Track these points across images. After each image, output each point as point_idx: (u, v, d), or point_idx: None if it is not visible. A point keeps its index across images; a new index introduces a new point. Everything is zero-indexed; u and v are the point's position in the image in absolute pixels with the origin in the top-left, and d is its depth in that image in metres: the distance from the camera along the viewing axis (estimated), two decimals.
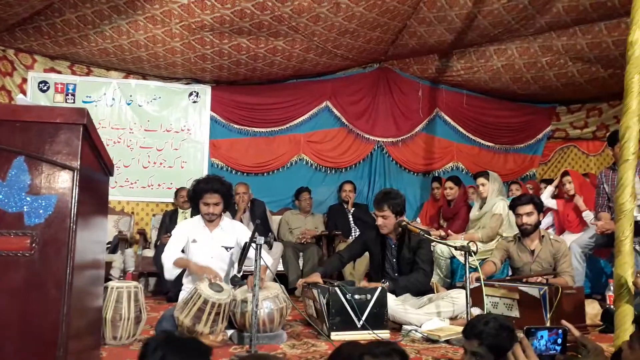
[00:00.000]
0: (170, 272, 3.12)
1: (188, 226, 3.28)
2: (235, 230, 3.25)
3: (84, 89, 5.55)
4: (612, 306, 2.73)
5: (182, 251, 3.21)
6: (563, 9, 4.74)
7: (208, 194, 3.15)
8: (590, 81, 6.02)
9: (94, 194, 1.89)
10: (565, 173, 5.05)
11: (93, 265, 1.90)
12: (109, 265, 4.62)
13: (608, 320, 3.07)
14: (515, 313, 3.23)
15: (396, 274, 3.56)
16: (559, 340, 1.84)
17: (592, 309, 3.42)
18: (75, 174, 1.56)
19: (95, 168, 1.92)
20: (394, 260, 3.59)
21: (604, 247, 4.19)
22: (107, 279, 4.27)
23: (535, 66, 5.77)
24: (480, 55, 5.80)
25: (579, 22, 5.00)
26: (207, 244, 3.17)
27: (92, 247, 1.84)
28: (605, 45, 5.23)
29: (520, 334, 1.68)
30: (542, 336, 1.80)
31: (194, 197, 3.23)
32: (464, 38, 5.35)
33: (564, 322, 1.89)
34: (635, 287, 2.18)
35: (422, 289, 3.49)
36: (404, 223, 3.45)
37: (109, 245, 4.98)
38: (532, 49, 5.50)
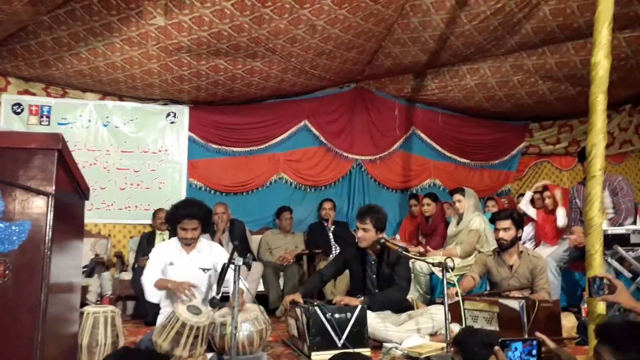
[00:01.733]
0: (152, 295, 3.08)
1: (164, 249, 3.25)
2: (212, 252, 3.24)
3: (59, 111, 5.49)
4: (587, 319, 2.79)
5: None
6: (532, 30, 4.90)
7: (186, 220, 3.13)
8: (560, 99, 6.21)
9: (69, 219, 1.88)
10: (546, 188, 5.17)
11: (68, 291, 1.87)
12: (85, 289, 4.54)
13: (583, 332, 3.13)
14: (495, 326, 3.27)
15: (376, 290, 3.58)
16: (534, 352, 1.88)
17: (568, 321, 3.48)
18: (49, 199, 1.56)
19: (71, 192, 1.91)
20: (374, 276, 3.61)
21: (578, 261, 4.29)
22: (84, 303, 4.18)
23: (507, 85, 5.93)
24: (453, 75, 5.93)
25: (547, 42, 5.17)
26: (184, 267, 3.14)
27: (67, 272, 1.82)
28: (573, 64, 5.41)
29: (496, 347, 1.72)
30: (516, 348, 1.84)
31: (171, 221, 3.21)
32: (437, 58, 5.48)
33: (538, 333, 1.93)
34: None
35: (398, 305, 3.51)
36: (383, 240, 3.48)
37: (85, 269, 4.89)
38: (503, 68, 5.66)
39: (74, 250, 1.98)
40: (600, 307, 2.32)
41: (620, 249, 3.60)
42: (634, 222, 4.24)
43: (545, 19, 4.69)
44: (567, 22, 4.71)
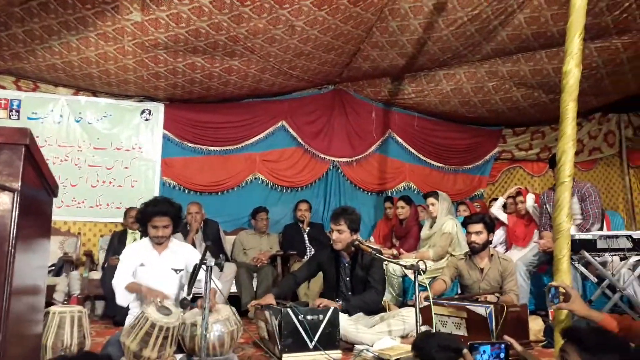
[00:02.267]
0: (123, 298, 3.02)
1: (136, 249, 3.19)
2: (184, 253, 3.19)
3: (30, 105, 5.36)
4: (553, 322, 2.85)
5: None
6: (507, 37, 4.99)
7: (157, 217, 3.08)
8: (533, 105, 6.34)
9: (36, 216, 1.83)
10: (519, 193, 5.27)
11: (33, 290, 1.82)
12: (52, 288, 4.43)
13: (550, 335, 3.20)
14: (463, 331, 3.31)
15: (350, 293, 3.59)
16: (502, 355, 1.92)
17: (536, 324, 3.54)
18: (15, 195, 1.51)
19: (38, 189, 1.86)
20: (348, 279, 3.62)
21: (547, 265, 4.38)
22: (50, 303, 4.09)
23: (482, 90, 6.03)
24: (430, 80, 6.00)
25: (521, 50, 5.28)
26: (156, 267, 3.09)
27: (32, 271, 1.77)
28: (546, 72, 5.54)
29: (465, 350, 1.74)
30: (484, 351, 1.88)
31: (142, 219, 3.16)
32: (415, 62, 5.54)
33: (506, 337, 1.97)
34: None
35: (374, 308, 3.53)
36: (357, 242, 3.49)
37: (52, 268, 4.77)
38: (479, 74, 5.75)
39: (40, 249, 1.93)
40: (566, 312, 2.37)
41: (587, 254, 3.69)
42: (601, 228, 4.36)
43: (520, 27, 4.78)
44: (541, 31, 4.81)
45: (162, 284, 3.03)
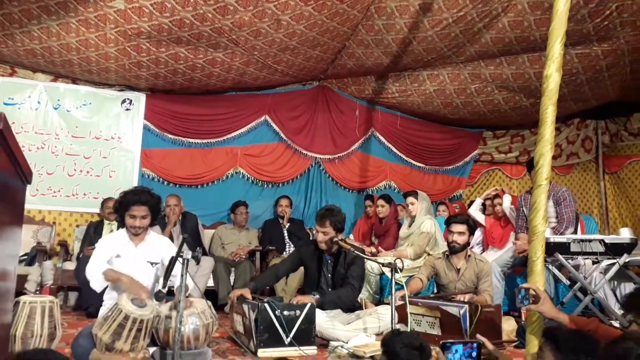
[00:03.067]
0: (98, 282, 2.91)
1: (112, 240, 3.12)
2: (161, 246, 3.13)
3: (6, 90, 5.23)
4: (526, 323, 2.90)
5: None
6: (491, 40, 5.04)
7: (135, 206, 3.02)
8: (514, 109, 6.43)
9: (7, 203, 1.78)
10: (497, 195, 5.33)
11: (2, 279, 1.78)
12: (24, 278, 4.33)
13: (522, 336, 3.24)
14: (437, 330, 3.34)
15: (330, 289, 3.60)
16: (474, 354, 1.95)
17: (509, 325, 3.59)
18: None
19: (11, 175, 1.82)
20: (329, 275, 3.63)
21: (522, 266, 4.45)
22: (22, 292, 4.00)
23: (464, 92, 6.08)
24: (414, 80, 6.03)
25: (504, 53, 5.34)
26: (132, 259, 3.03)
27: (1, 259, 1.73)
28: (528, 76, 5.61)
29: (436, 348, 1.75)
30: (456, 350, 1.90)
31: (120, 209, 3.09)
32: (399, 62, 5.56)
33: (478, 336, 2.00)
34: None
35: (349, 304, 3.54)
36: (336, 239, 3.49)
37: (25, 257, 4.67)
38: (462, 75, 5.80)
39: (11, 237, 1.88)
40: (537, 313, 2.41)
41: (561, 257, 3.76)
42: (575, 232, 4.43)
43: (504, 30, 4.83)
44: (524, 35, 4.88)
45: (138, 277, 2.98)
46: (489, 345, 1.93)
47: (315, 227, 3.60)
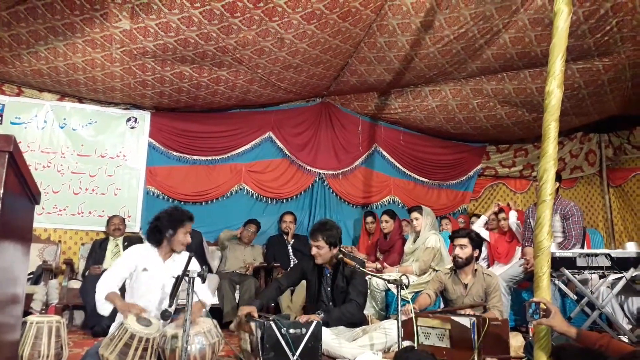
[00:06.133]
0: (102, 307, 2.87)
1: (139, 253, 3.07)
2: (185, 261, 3.11)
3: (13, 110, 5.29)
4: (533, 339, 2.88)
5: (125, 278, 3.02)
6: (492, 56, 5.08)
7: (189, 223, 3.05)
8: (517, 123, 6.45)
9: (16, 224, 1.80)
10: (501, 210, 5.33)
11: (11, 300, 1.79)
12: (29, 297, 4.33)
13: (530, 352, 3.22)
14: (447, 343, 3.31)
15: (330, 303, 3.58)
16: None
17: (516, 341, 3.56)
18: None
19: (20, 196, 1.84)
20: (329, 289, 3.61)
21: (528, 282, 4.43)
22: (27, 312, 4.00)
23: (466, 107, 6.11)
24: (416, 95, 6.07)
25: (506, 69, 5.38)
26: (159, 274, 3.01)
27: (11, 280, 1.74)
28: (530, 91, 5.64)
29: None
30: None
31: (171, 223, 3.02)
32: (401, 78, 5.61)
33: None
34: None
35: (354, 320, 3.52)
36: (340, 256, 3.48)
37: (30, 276, 4.68)
38: (464, 91, 5.84)
39: (20, 258, 1.90)
40: (545, 328, 2.40)
41: (567, 272, 3.74)
42: (582, 247, 4.41)
43: (505, 46, 4.88)
44: (525, 51, 4.91)
45: (159, 293, 2.97)
46: None
47: (309, 241, 3.60)
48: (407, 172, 7.04)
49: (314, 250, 3.53)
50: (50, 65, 4.77)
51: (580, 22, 4.46)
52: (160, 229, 3.03)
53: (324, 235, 3.49)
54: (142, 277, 2.99)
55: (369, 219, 5.91)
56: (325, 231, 3.50)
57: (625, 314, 3.93)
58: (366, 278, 3.76)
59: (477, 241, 3.85)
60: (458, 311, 3.62)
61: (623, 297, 3.96)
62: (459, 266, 3.82)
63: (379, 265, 5.02)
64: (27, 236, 2.09)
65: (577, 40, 4.66)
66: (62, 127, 5.47)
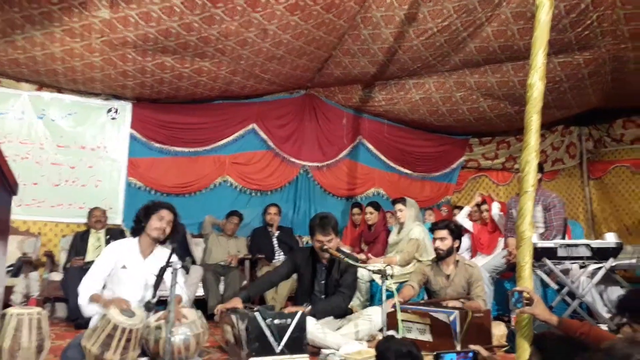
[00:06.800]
0: (87, 310, 2.86)
1: (119, 250, 3.04)
2: (166, 258, 3.07)
3: None
4: (516, 327, 2.93)
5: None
6: (475, 49, 5.11)
7: (165, 210, 3.03)
8: (499, 116, 6.51)
9: None
10: (484, 201, 5.39)
11: None
12: (9, 290, 4.26)
13: (512, 340, 3.27)
14: (428, 337, 3.35)
15: (323, 296, 3.59)
16: None
17: (499, 330, 3.62)
18: None
19: None
20: (323, 282, 3.62)
21: (511, 272, 4.49)
22: (7, 304, 3.94)
23: (450, 100, 6.15)
24: (400, 88, 6.09)
25: (489, 62, 5.42)
26: (138, 271, 2.97)
27: None
28: (512, 84, 5.70)
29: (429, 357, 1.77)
30: (451, 359, 1.94)
31: (145, 214, 3.04)
32: (385, 71, 5.61)
33: (471, 346, 2.03)
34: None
35: (340, 313, 3.54)
36: (326, 247, 3.48)
37: (10, 269, 4.60)
38: (447, 84, 5.87)
39: None
40: (527, 317, 2.44)
41: (549, 262, 3.80)
42: (563, 238, 4.49)
43: (488, 39, 4.91)
44: (508, 44, 4.96)
45: (141, 290, 2.93)
46: (483, 352, 1.96)
47: (316, 237, 3.52)
48: (392, 164, 7.07)
49: (326, 245, 3.48)
50: (28, 55, 4.66)
51: (561, 16, 4.51)
52: (140, 220, 3.07)
53: (333, 228, 3.50)
54: (121, 274, 2.96)
55: (355, 210, 5.93)
56: (332, 223, 3.51)
57: (604, 302, 4.02)
58: (357, 270, 3.77)
59: (456, 232, 3.89)
60: (442, 302, 3.66)
61: (603, 286, 4.04)
62: (440, 258, 3.87)
63: (363, 256, 5.05)
64: (4, 227, 2.05)
65: (559, 34, 4.71)
66: (40, 118, 5.35)
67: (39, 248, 5.04)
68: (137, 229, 3.09)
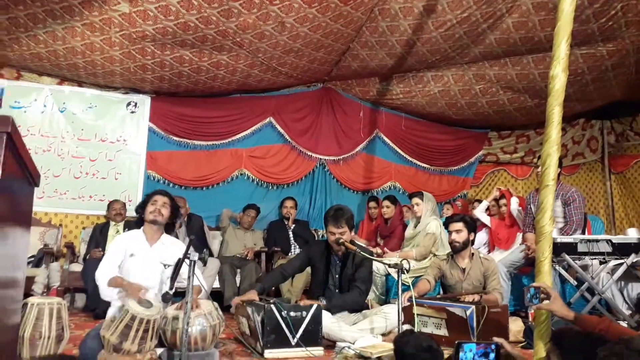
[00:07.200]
0: (107, 294, 2.93)
1: (127, 239, 3.11)
2: (175, 248, 3.12)
3: (13, 94, 5.26)
4: (533, 323, 2.89)
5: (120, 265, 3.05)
6: (495, 41, 5.03)
7: (158, 195, 3.12)
8: (519, 109, 6.41)
9: (15, 206, 1.79)
10: (503, 195, 5.32)
11: (11, 282, 1.79)
12: (31, 280, 4.35)
13: (529, 336, 3.23)
14: (444, 331, 3.33)
15: (337, 290, 3.59)
16: (491, 356, 1.97)
17: (516, 325, 3.58)
18: None
19: (19, 178, 1.83)
20: (337, 276, 3.61)
21: (530, 267, 4.43)
22: (29, 294, 4.02)
23: (469, 93, 6.07)
24: (418, 81, 6.03)
25: (509, 54, 5.33)
26: (146, 259, 3.03)
27: (10, 262, 1.74)
28: (532, 76, 5.60)
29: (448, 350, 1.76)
30: (470, 349, 1.92)
31: (142, 204, 3.16)
32: (403, 63, 5.56)
33: (495, 338, 2.01)
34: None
35: (356, 307, 3.53)
36: (342, 241, 3.47)
37: (32, 259, 4.69)
38: (466, 76, 5.79)
39: (19, 241, 1.89)
40: (546, 313, 2.40)
41: (568, 257, 3.74)
42: (583, 233, 4.40)
43: (509, 31, 4.83)
44: (529, 36, 4.87)
45: (149, 277, 2.98)
46: (507, 346, 1.94)
47: (329, 229, 3.52)
48: (409, 158, 7.02)
49: (338, 237, 3.48)
50: (49, 49, 4.74)
51: (584, 7, 4.41)
52: (141, 208, 3.18)
53: (346, 219, 3.49)
54: (129, 262, 3.02)
55: (372, 204, 5.91)
56: (346, 216, 3.50)
57: (625, 299, 3.94)
58: (372, 264, 3.76)
59: (471, 224, 3.87)
60: (459, 297, 3.62)
61: (623, 282, 3.96)
62: (456, 251, 3.84)
63: (379, 251, 5.03)
64: (26, 218, 2.08)
65: (581, 25, 4.61)
66: (62, 111, 5.44)
67: (60, 239, 5.13)
68: (139, 220, 3.20)
